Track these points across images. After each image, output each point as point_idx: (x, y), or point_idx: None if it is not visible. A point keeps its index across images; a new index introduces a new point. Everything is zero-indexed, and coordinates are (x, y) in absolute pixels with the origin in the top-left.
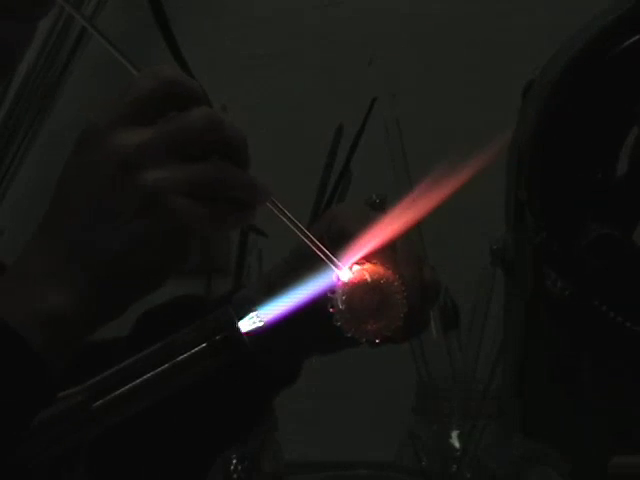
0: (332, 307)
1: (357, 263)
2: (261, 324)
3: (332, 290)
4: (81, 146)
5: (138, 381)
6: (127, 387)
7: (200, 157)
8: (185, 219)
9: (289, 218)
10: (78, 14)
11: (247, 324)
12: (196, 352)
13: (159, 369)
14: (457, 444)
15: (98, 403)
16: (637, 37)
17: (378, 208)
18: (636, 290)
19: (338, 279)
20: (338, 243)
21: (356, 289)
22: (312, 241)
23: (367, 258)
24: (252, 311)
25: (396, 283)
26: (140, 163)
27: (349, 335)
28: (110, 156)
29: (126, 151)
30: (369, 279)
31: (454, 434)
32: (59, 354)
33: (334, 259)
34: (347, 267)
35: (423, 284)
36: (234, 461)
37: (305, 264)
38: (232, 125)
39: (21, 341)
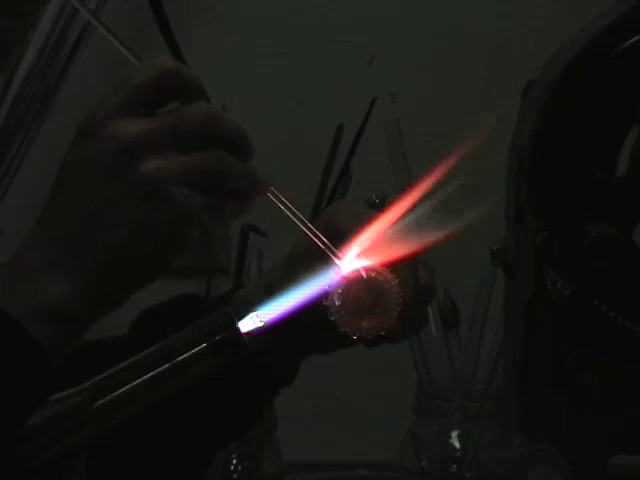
0: (327, 300)
1: (357, 258)
2: (261, 324)
3: (329, 284)
4: (80, 136)
5: (138, 381)
6: (127, 387)
7: (199, 149)
8: (184, 209)
9: (289, 209)
10: (81, 5)
11: (247, 324)
12: (196, 352)
13: (159, 369)
14: (457, 444)
15: (98, 403)
16: (637, 37)
17: (378, 208)
18: (636, 290)
19: (336, 272)
20: (334, 242)
21: (352, 284)
22: (313, 232)
23: (365, 256)
24: (252, 311)
25: (393, 282)
26: (139, 153)
27: (342, 330)
28: (109, 145)
29: (125, 140)
30: (366, 276)
31: (454, 434)
32: (61, 345)
33: (334, 250)
34: (347, 261)
35: (418, 284)
36: (234, 461)
37: (302, 263)
38: (231, 119)
39: (24, 333)
